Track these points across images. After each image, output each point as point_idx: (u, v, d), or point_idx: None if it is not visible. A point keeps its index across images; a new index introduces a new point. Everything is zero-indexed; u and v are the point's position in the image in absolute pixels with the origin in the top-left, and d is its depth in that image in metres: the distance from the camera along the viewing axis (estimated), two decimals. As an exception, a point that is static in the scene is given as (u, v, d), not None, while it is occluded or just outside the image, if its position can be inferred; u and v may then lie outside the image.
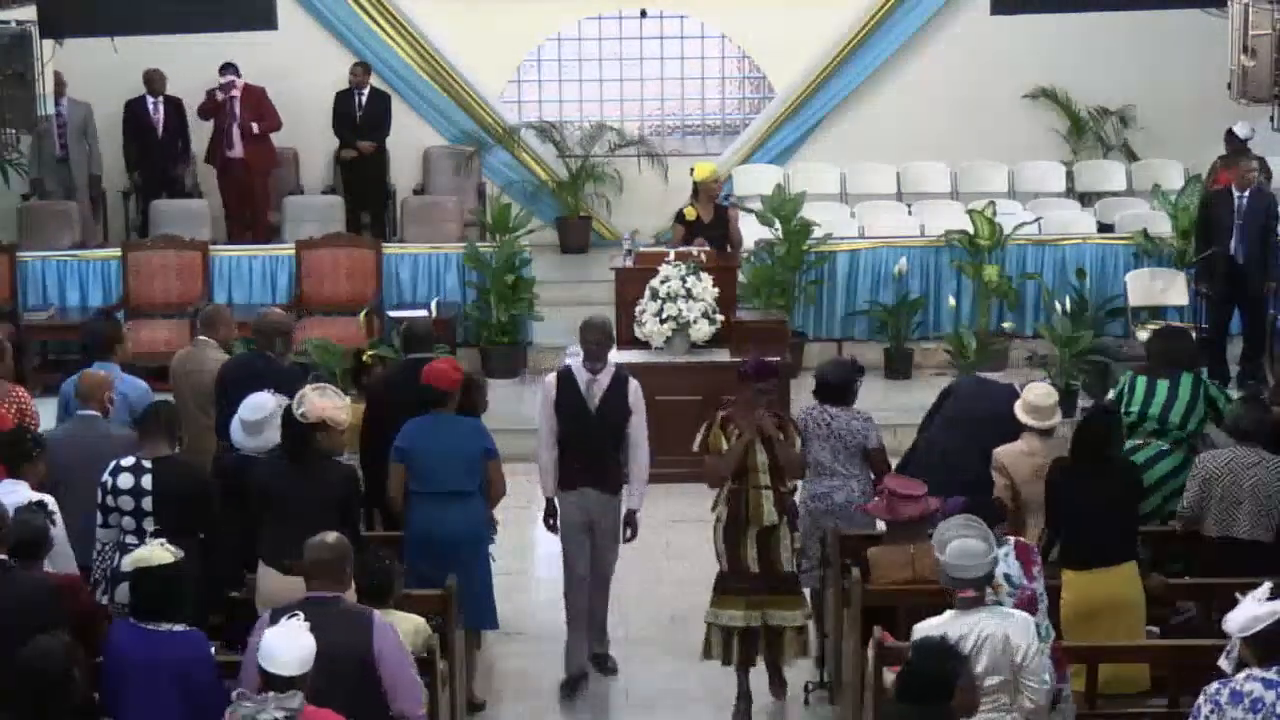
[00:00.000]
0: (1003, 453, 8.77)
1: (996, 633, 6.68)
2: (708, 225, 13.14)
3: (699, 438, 8.83)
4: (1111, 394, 9.77)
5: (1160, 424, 9.30)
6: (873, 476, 9.18)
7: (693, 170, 13.37)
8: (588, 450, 9.16)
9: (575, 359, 9.41)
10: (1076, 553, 8.15)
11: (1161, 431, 9.30)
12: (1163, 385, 9.39)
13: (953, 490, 8.12)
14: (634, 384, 9.22)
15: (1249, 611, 6.19)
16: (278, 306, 13.54)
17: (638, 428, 9.20)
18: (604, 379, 9.15)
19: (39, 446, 8.25)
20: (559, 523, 9.28)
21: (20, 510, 7.48)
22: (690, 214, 13.19)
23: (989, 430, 8.99)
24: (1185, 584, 8.67)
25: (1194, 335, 13.50)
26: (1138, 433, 9.30)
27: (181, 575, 6.77)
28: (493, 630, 9.38)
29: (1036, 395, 8.86)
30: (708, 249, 12.80)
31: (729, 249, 13.12)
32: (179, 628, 6.73)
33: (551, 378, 9.28)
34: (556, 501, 9.26)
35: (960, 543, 6.77)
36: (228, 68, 15.76)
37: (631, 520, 9.29)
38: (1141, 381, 9.46)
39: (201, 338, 10.35)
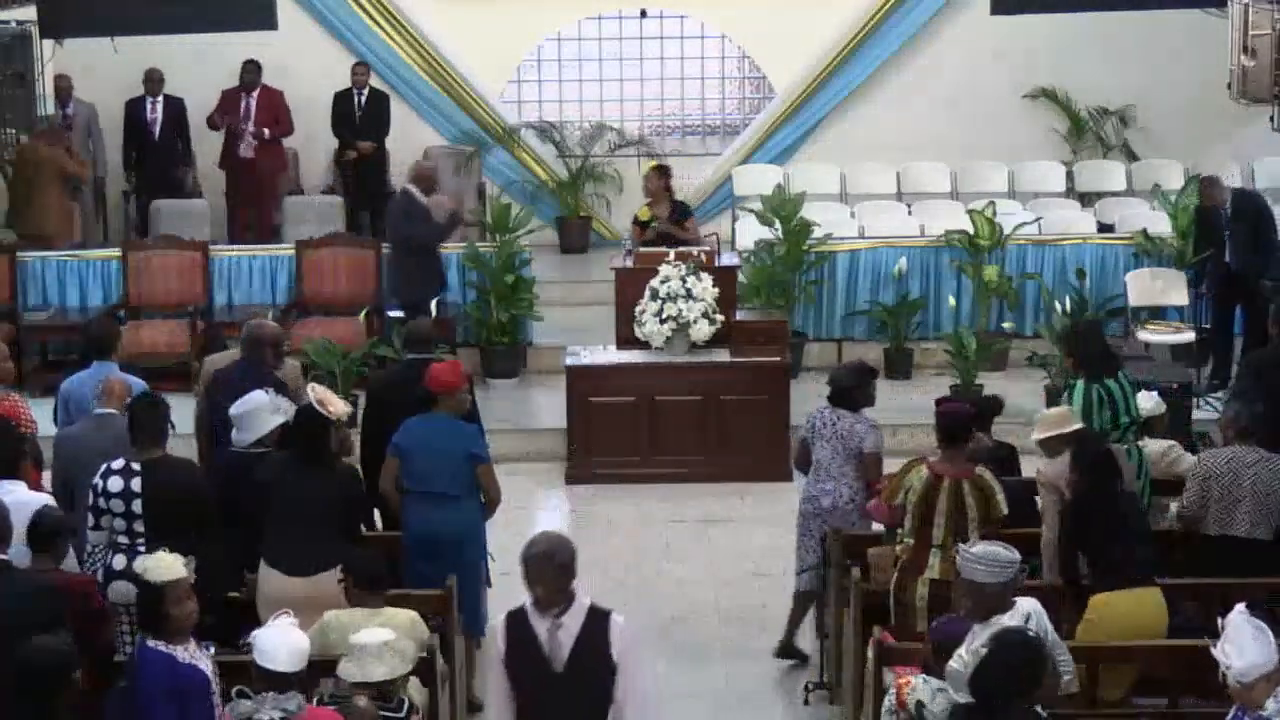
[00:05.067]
0: (1049, 470, 8.34)
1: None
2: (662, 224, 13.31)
3: (1000, 498, 8.12)
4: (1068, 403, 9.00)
5: (1131, 426, 8.99)
6: (867, 480, 9.06)
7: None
8: None
9: (528, 601, 6.39)
10: (1108, 575, 7.86)
11: (1124, 433, 8.96)
12: (1114, 387, 8.95)
13: None
14: (617, 624, 6.37)
15: (1260, 651, 5.75)
16: (275, 307, 13.61)
17: (631, 688, 6.36)
18: (571, 624, 6.31)
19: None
20: None
21: (51, 507, 7.51)
22: (644, 214, 13.43)
23: None
24: (1185, 584, 8.64)
25: (1195, 335, 13.56)
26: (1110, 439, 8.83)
27: (162, 599, 6.51)
28: (482, 636, 9.31)
29: (1055, 414, 8.61)
30: (680, 248, 12.82)
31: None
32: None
33: (500, 624, 6.48)
34: None
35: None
36: (250, 66, 15.74)
37: None
38: (1097, 391, 8.92)
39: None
